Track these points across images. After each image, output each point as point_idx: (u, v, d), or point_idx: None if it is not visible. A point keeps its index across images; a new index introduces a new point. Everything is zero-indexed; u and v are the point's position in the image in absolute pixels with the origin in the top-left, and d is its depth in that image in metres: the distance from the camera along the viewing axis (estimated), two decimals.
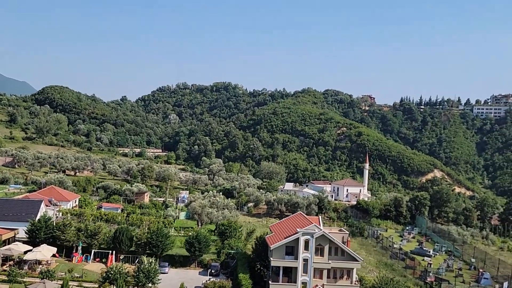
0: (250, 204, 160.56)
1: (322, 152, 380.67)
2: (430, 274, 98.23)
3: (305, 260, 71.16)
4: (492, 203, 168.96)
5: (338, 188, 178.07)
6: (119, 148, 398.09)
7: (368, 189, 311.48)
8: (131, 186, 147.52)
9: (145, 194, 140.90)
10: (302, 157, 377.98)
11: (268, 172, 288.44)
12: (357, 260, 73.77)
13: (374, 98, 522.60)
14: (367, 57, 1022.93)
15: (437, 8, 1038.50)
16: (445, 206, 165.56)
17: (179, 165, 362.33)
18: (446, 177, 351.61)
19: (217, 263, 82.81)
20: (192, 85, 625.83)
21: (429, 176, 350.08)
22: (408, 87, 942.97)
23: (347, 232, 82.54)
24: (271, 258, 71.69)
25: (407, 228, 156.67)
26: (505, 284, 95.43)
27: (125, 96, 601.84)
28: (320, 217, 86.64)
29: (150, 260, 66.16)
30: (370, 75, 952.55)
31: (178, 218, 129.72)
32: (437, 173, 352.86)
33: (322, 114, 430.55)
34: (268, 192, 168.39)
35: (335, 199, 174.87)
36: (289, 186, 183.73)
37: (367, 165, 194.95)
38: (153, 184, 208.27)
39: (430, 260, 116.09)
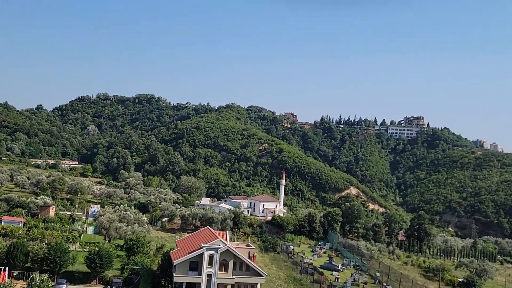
0: (165, 219, 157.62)
1: (244, 168, 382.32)
2: None
3: (209, 276, 70.42)
4: (399, 219, 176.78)
5: (254, 204, 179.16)
6: (31, 159, 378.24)
7: (286, 205, 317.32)
8: (36, 199, 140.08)
9: (51, 207, 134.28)
10: (223, 172, 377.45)
11: (188, 187, 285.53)
12: (261, 275, 73.95)
13: (296, 115, 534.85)
14: (291, 75, 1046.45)
15: (355, 29, 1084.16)
16: (356, 222, 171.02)
17: (96, 178, 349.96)
18: (361, 194, 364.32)
19: (119, 279, 80.00)
20: (113, 96, 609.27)
21: (345, 192, 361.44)
22: (329, 106, 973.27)
23: (254, 248, 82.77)
24: (174, 274, 70.29)
25: (320, 243, 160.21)
26: None
27: (40, 105, 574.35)
28: (227, 232, 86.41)
29: (42, 277, 62.56)
30: (293, 93, 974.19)
31: (86, 233, 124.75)
32: (353, 190, 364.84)
33: (245, 130, 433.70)
34: (183, 207, 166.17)
35: (251, 215, 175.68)
36: (205, 201, 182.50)
37: (283, 181, 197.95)
38: (64, 198, 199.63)
39: (338, 275, 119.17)
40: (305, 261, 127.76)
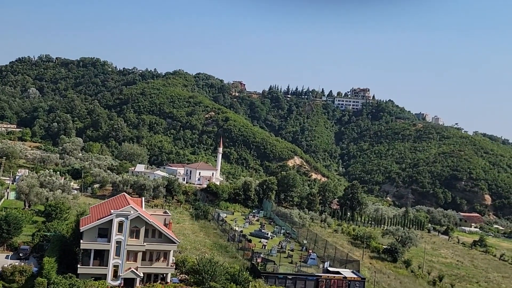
0: (96, 185, 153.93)
1: (189, 136, 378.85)
2: (261, 255, 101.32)
3: (118, 243, 68.78)
4: (333, 189, 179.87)
5: (191, 171, 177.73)
6: None
7: (231, 173, 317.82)
8: None
9: None
10: (168, 140, 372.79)
11: (129, 154, 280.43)
12: (174, 243, 73.02)
13: (244, 84, 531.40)
14: (241, 43, 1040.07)
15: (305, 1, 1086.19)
16: (291, 190, 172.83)
17: (35, 142, 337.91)
18: (304, 163, 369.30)
19: (28, 246, 77.26)
20: (56, 58, 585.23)
21: (290, 162, 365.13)
22: (277, 76, 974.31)
23: (170, 215, 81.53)
24: (82, 241, 68.24)
25: (254, 211, 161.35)
26: (326, 263, 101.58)
27: None
28: (143, 199, 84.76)
29: None
30: (242, 61, 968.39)
31: (7, 198, 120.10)
32: (297, 160, 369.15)
33: (192, 98, 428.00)
34: (117, 174, 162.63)
35: (187, 182, 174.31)
36: (140, 168, 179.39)
37: (220, 149, 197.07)
38: (2, 162, 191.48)
39: (266, 242, 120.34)
40: (234, 228, 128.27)
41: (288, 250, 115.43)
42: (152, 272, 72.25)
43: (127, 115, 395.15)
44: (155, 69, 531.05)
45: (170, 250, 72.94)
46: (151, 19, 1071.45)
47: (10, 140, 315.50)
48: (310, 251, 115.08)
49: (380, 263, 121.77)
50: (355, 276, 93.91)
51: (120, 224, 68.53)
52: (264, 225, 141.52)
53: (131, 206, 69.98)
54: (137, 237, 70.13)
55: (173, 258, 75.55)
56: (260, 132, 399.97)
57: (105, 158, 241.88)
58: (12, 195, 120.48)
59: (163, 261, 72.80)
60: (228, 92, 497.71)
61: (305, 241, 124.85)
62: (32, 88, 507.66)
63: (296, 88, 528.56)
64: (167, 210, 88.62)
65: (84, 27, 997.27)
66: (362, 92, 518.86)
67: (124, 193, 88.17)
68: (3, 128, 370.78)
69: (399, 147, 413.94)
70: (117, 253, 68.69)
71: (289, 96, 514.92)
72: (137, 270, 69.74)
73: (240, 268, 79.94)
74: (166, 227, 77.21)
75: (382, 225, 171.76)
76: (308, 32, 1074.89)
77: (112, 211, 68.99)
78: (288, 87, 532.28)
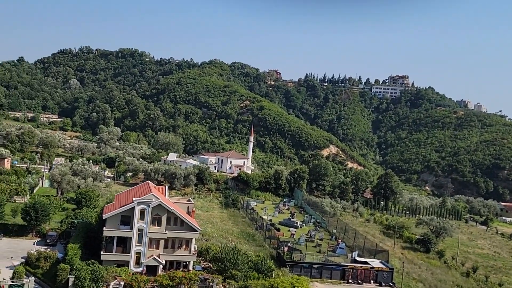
0: (128, 174, 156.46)
1: (224, 125, 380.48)
2: (288, 244, 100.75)
3: (140, 230, 69.42)
4: (365, 178, 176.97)
5: (222, 160, 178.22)
6: (10, 112, 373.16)
7: (265, 162, 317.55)
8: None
9: (6, 159, 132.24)
10: (203, 129, 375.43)
11: (164, 143, 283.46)
12: (195, 230, 73.15)
13: (280, 73, 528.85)
14: (276, 32, 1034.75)
15: None
16: (322, 179, 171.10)
17: (76, 132, 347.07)
18: (340, 152, 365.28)
19: (55, 232, 79.03)
20: (96, 49, 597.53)
21: (325, 151, 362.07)
22: (313, 64, 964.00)
23: (193, 203, 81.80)
24: (104, 228, 69.22)
25: (284, 200, 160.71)
26: (354, 253, 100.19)
27: (22, 57, 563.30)
28: (166, 186, 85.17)
29: None
30: (278, 50, 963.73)
31: (42, 186, 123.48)
32: (333, 149, 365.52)
33: (227, 87, 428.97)
34: (149, 163, 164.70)
35: (218, 171, 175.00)
36: (172, 156, 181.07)
37: (251, 138, 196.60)
38: (34, 151, 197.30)
39: (295, 231, 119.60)
40: (263, 217, 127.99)
41: (317, 239, 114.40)
42: (174, 259, 72.70)
43: (164, 105, 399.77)
44: (191, 59, 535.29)
45: (192, 238, 73.12)
46: (188, 8, 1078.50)
47: (52, 130, 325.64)
48: (340, 240, 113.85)
49: (412, 253, 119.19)
50: (383, 266, 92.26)
51: (142, 212, 69.08)
52: (294, 214, 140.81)
53: (152, 194, 70.40)
54: (159, 224, 70.57)
55: (195, 246, 75.77)
56: (295, 120, 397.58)
57: (141, 147, 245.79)
58: (46, 183, 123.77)
59: (185, 249, 73.09)
60: (263, 81, 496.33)
61: (334, 231, 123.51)
62: (73, 79, 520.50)
63: (333, 76, 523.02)
64: (190, 198, 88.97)
65: (123, 18, 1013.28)
66: (400, 79, 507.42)
67: (149, 181, 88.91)
68: (45, 118, 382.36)
69: (439, 135, 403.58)
70: (139, 241, 69.35)
71: (325, 84, 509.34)
72: (159, 258, 70.30)
73: (263, 256, 79.45)
74: (189, 215, 77.43)
75: (417, 215, 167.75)
76: (345, 21, 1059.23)
77: (134, 198, 69.62)
78: (324, 75, 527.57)
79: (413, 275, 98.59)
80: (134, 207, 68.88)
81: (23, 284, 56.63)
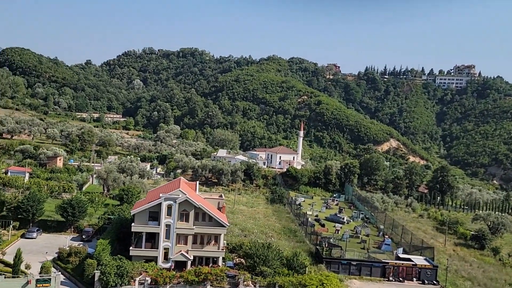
0: (178, 171, 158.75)
1: (281, 120, 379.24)
2: (330, 240, 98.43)
3: (168, 226, 69.77)
4: (420, 172, 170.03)
5: (271, 156, 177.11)
6: (77, 113, 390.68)
7: (320, 157, 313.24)
8: (47, 150, 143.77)
9: (58, 158, 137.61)
10: (261, 125, 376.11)
11: (221, 140, 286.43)
12: (223, 226, 72.63)
13: (339, 67, 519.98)
14: (335, 25, 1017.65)
15: None
16: (374, 174, 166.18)
17: (138, 131, 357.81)
18: (401, 146, 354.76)
19: (91, 228, 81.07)
20: (158, 50, 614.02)
21: (385, 145, 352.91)
22: (373, 56, 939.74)
23: (223, 199, 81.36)
24: (133, 224, 70.14)
25: (334, 195, 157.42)
26: (399, 250, 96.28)
27: (89, 60, 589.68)
28: (197, 182, 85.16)
29: None
30: (337, 43, 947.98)
31: (92, 183, 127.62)
32: (393, 142, 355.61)
33: (284, 82, 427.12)
34: (197, 159, 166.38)
35: (268, 166, 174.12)
36: (222, 153, 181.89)
37: (301, 133, 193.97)
38: (93, 149, 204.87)
39: (340, 227, 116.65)
40: (309, 213, 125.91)
41: (363, 235, 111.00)
42: (203, 255, 72.50)
43: (222, 102, 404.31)
44: (249, 55, 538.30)
45: (220, 234, 72.64)
46: (246, 7, 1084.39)
47: (115, 129, 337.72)
48: (386, 236, 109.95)
49: (465, 250, 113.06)
50: (427, 264, 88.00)
51: (169, 208, 69.36)
52: (343, 209, 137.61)
53: (179, 190, 70.51)
54: (187, 220, 70.61)
55: (224, 241, 75.28)
56: (354, 114, 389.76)
57: (197, 144, 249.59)
58: (96, 180, 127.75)
59: (214, 244, 72.78)
60: (322, 75, 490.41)
61: (382, 226, 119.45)
62: (136, 80, 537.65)
63: (394, 68, 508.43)
64: (222, 194, 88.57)
65: (184, 18, 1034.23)
66: (466, 69, 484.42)
67: (181, 177, 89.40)
68: (109, 118, 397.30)
69: (508, 127, 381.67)
70: (167, 236, 69.70)
71: (386, 76, 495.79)
72: (187, 253, 70.36)
73: (295, 253, 77.70)
74: (220, 210, 77.07)
75: (477, 210, 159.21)
76: (406, 8, 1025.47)
77: (160, 194, 70.04)
78: (385, 67, 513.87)
79: (462, 273, 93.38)
80: (161, 203, 69.26)
81: (50, 279, 58.17)
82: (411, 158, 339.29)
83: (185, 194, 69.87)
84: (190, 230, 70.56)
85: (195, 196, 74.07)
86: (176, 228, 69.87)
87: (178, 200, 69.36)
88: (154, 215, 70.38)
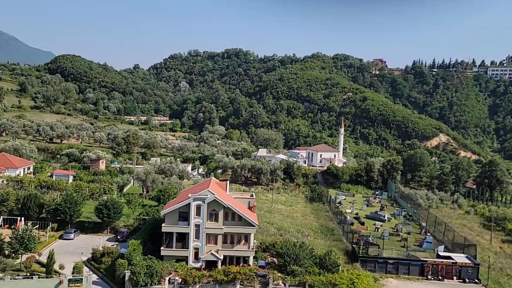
0: (219, 171, 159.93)
1: (326, 118, 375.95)
2: (369, 238, 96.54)
3: (197, 226, 70.28)
4: (467, 167, 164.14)
5: (312, 154, 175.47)
6: (126, 117, 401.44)
7: (366, 154, 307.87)
8: (90, 153, 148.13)
9: (100, 160, 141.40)
10: (305, 123, 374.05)
11: (264, 139, 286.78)
12: (253, 226, 72.45)
13: (385, 62, 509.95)
14: (381, 20, 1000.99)
15: None
16: (418, 170, 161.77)
17: (184, 132, 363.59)
18: (451, 141, 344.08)
19: (126, 229, 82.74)
20: (203, 52, 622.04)
21: (434, 140, 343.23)
22: (421, 50, 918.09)
23: (254, 198, 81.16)
24: (163, 224, 71.10)
25: (376, 192, 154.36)
26: (441, 247, 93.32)
27: (137, 65, 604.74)
28: (227, 182, 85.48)
29: (26, 226, 66.28)
30: (383, 38, 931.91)
31: (133, 184, 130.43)
32: (443, 137, 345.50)
33: (329, 79, 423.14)
34: (237, 159, 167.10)
35: (309, 165, 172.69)
36: (262, 152, 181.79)
37: (342, 130, 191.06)
38: (138, 151, 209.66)
39: (381, 225, 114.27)
40: (348, 211, 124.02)
41: (404, 233, 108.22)
42: (234, 255, 72.59)
43: (266, 101, 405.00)
44: (293, 54, 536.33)
45: (250, 233, 72.53)
46: (290, 6, 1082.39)
47: (162, 131, 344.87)
48: (428, 234, 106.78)
49: None
50: (468, 262, 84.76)
51: (198, 208, 69.85)
52: (385, 207, 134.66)
53: (208, 190, 70.88)
54: (216, 220, 70.88)
55: (255, 241, 75.10)
56: (400, 110, 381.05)
57: (240, 144, 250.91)
58: (136, 182, 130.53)
59: (244, 244, 72.77)
60: (367, 71, 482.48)
61: (424, 224, 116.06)
62: (182, 82, 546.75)
63: (443, 61, 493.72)
64: (253, 193, 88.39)
65: (229, 19, 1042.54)
66: None
67: (212, 177, 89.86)
68: (156, 121, 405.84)
69: None
70: (197, 236, 70.21)
71: (435, 70, 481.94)
72: (217, 253, 70.64)
73: (328, 251, 76.53)
74: (250, 210, 76.98)
75: None
76: (456, 1, 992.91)
77: (189, 195, 70.64)
78: (434, 60, 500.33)
79: (507, 271, 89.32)
80: (190, 203, 69.86)
81: (81, 279, 59.79)
82: (462, 153, 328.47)
83: (214, 194, 70.16)
84: (219, 230, 70.81)
85: (224, 196, 74.29)
86: (206, 228, 70.27)
87: (207, 200, 69.74)
88: (184, 215, 71.07)
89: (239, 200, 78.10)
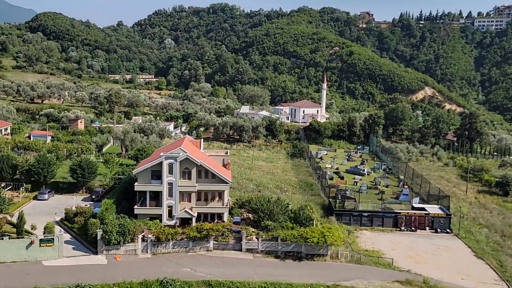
0: (201, 129, 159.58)
1: (313, 74, 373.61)
2: (347, 192, 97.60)
3: (170, 184, 70.51)
4: (447, 119, 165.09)
5: (295, 110, 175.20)
6: (110, 75, 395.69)
7: (354, 109, 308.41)
8: (68, 113, 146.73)
9: (79, 120, 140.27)
10: (292, 79, 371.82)
11: (250, 96, 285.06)
12: (226, 183, 72.83)
13: (372, 15, 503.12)
14: None
15: None
16: (400, 124, 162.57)
17: (170, 90, 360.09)
18: (437, 94, 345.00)
19: (101, 188, 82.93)
20: (188, 7, 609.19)
21: (420, 93, 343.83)
22: (409, 2, 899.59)
23: (228, 155, 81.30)
24: (136, 183, 71.31)
25: (358, 147, 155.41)
26: (415, 199, 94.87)
27: (121, 21, 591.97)
28: (202, 140, 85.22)
29: None
30: None
31: (113, 144, 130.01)
32: (428, 91, 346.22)
33: (315, 34, 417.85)
34: (218, 117, 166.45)
35: (291, 121, 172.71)
36: (245, 109, 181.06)
37: (324, 85, 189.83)
38: (121, 111, 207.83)
39: (360, 179, 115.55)
40: (327, 166, 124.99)
41: (383, 186, 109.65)
42: (208, 212, 73.26)
43: (253, 58, 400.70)
44: (280, 8, 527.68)
45: (224, 190, 73.00)
46: None
47: (148, 89, 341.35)
48: (405, 187, 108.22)
49: (488, 197, 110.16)
50: (440, 212, 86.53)
51: (170, 166, 69.87)
52: (365, 161, 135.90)
53: (180, 148, 70.79)
54: (189, 178, 71.10)
55: (229, 197, 75.73)
56: (387, 64, 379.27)
57: (226, 101, 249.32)
58: (117, 141, 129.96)
59: (218, 201, 73.34)
60: (354, 25, 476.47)
61: (401, 177, 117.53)
62: (167, 39, 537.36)
63: (430, 13, 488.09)
64: (228, 151, 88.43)
65: None
66: (507, 9, 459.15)
67: (187, 135, 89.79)
68: (142, 79, 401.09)
69: None
70: (170, 194, 70.55)
71: (422, 22, 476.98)
72: (191, 210, 71.18)
73: (301, 206, 77.38)
74: (225, 167, 77.21)
75: (507, 156, 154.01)
76: None
77: (161, 153, 70.54)
78: (421, 12, 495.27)
79: (479, 220, 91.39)
80: (162, 161, 69.82)
81: (53, 239, 60.20)
82: (447, 106, 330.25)
83: (186, 152, 70.09)
84: (193, 188, 71.15)
85: (197, 154, 74.30)
86: (179, 186, 70.53)
87: (179, 159, 69.70)
88: (157, 174, 71.11)
89: (213, 158, 78.25)
